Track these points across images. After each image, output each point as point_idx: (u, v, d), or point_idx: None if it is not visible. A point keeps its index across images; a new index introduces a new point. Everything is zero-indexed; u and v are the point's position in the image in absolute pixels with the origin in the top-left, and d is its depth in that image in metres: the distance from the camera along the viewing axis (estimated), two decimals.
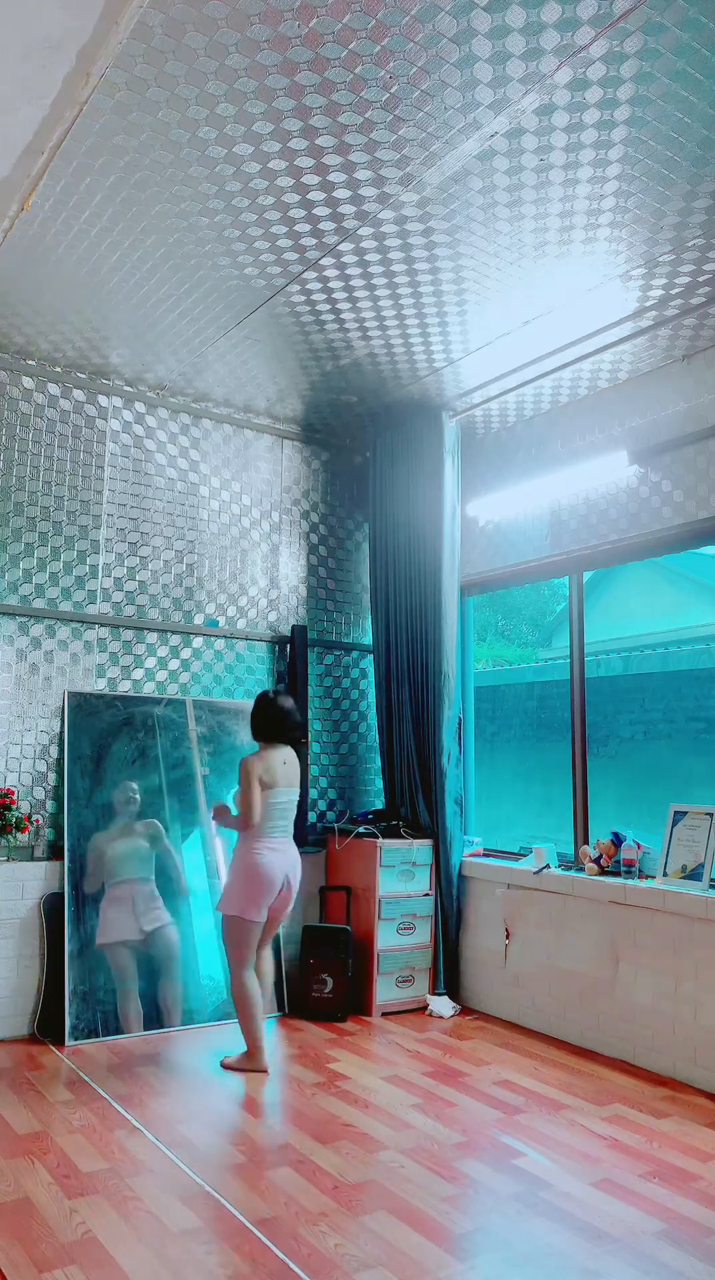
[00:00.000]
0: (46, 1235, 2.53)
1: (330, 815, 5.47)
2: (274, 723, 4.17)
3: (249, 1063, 3.92)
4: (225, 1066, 3.93)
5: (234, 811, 4.09)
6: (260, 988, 4.05)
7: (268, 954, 4.27)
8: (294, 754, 4.21)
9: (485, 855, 5.15)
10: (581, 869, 4.55)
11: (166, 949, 4.52)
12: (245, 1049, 3.96)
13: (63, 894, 4.40)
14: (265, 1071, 3.89)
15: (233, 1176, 2.95)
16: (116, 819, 4.62)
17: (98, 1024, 4.29)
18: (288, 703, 4.23)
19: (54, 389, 4.84)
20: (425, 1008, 4.85)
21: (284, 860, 4.02)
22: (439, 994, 4.93)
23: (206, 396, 5.21)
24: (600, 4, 2.44)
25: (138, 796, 4.68)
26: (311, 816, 5.38)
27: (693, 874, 4.04)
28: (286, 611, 5.51)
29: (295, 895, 4.10)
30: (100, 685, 4.82)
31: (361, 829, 5.02)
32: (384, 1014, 4.81)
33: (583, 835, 4.77)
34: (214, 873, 4.83)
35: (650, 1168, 3.03)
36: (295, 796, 4.15)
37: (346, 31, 2.56)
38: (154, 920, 4.52)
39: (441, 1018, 4.75)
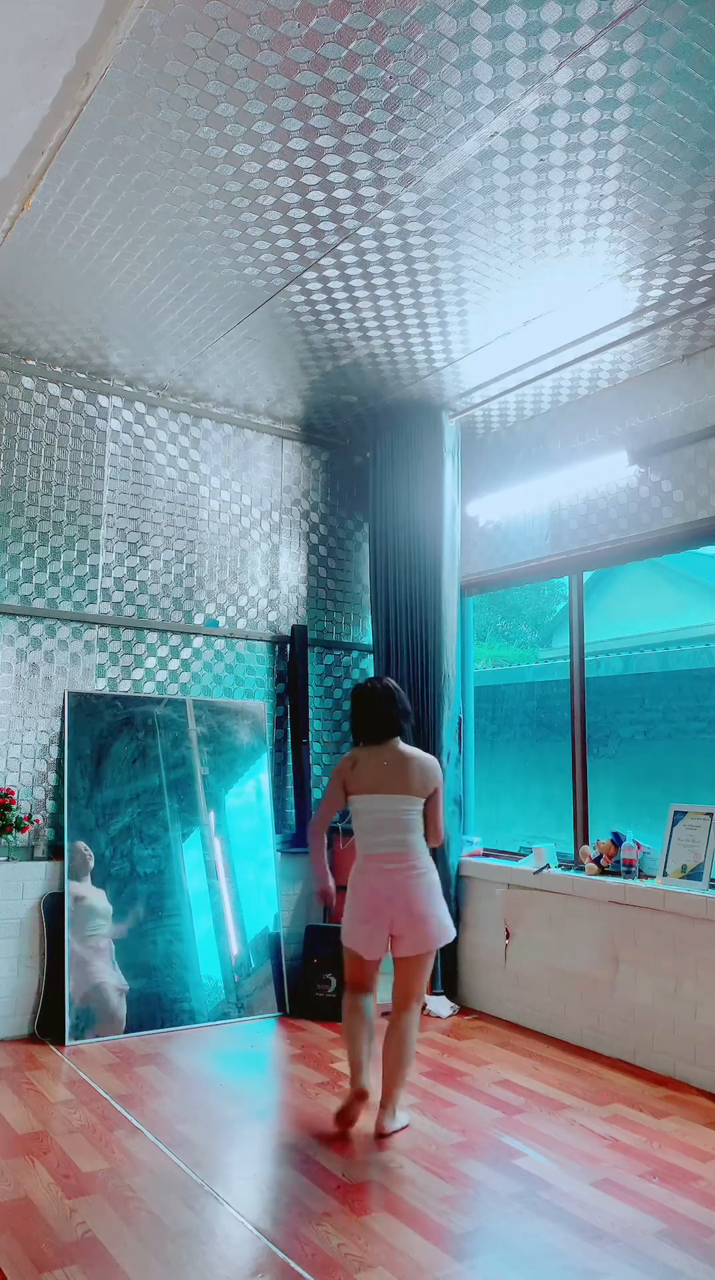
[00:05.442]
0: (46, 1235, 2.53)
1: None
2: (364, 719, 3.49)
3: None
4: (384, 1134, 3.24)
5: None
6: (360, 1042, 3.41)
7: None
8: (411, 751, 3.46)
9: (485, 855, 5.15)
10: (581, 869, 4.55)
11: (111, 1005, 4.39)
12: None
13: (63, 894, 4.40)
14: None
15: (233, 1176, 2.95)
16: (84, 875, 4.49)
17: (97, 1024, 4.29)
18: (382, 688, 3.50)
19: (54, 389, 4.84)
20: (423, 1007, 4.84)
21: (379, 888, 3.30)
22: (437, 994, 4.92)
23: (206, 396, 5.21)
24: (600, 4, 2.44)
25: (90, 857, 4.52)
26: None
27: (693, 874, 4.04)
28: (286, 611, 5.51)
29: (428, 936, 3.31)
30: (100, 685, 4.82)
31: None
32: (384, 1014, 4.79)
33: (583, 835, 4.77)
34: (213, 873, 4.83)
35: (650, 1168, 3.03)
36: (399, 805, 3.37)
37: (346, 31, 2.56)
38: (121, 981, 4.40)
39: (439, 1017, 4.75)
